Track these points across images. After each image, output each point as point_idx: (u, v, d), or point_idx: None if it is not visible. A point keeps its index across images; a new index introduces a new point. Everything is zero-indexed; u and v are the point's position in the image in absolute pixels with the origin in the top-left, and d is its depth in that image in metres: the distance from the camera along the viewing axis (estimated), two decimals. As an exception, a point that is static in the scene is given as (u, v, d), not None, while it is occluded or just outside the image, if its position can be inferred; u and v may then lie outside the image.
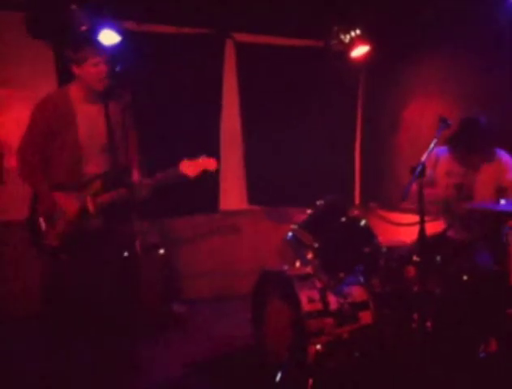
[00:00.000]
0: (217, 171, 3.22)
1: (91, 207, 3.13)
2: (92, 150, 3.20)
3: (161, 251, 4.44)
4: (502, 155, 3.48)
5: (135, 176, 3.32)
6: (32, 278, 4.28)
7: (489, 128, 3.40)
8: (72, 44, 3.13)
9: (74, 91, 3.18)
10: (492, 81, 4.04)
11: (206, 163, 3.11)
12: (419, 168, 2.87)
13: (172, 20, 4.64)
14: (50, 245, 3.16)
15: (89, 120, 3.18)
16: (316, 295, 3.13)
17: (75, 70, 3.11)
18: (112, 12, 4.17)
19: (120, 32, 4.15)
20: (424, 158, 2.95)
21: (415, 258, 3.08)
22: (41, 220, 3.17)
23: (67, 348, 3.34)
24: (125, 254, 3.32)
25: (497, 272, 3.21)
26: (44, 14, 4.09)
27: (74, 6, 4.00)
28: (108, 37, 4.06)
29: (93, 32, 3.98)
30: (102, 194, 3.15)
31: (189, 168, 3.09)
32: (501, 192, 3.36)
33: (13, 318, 4.23)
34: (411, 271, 3.14)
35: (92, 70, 3.07)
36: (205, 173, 3.12)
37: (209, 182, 4.91)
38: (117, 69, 3.17)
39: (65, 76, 3.98)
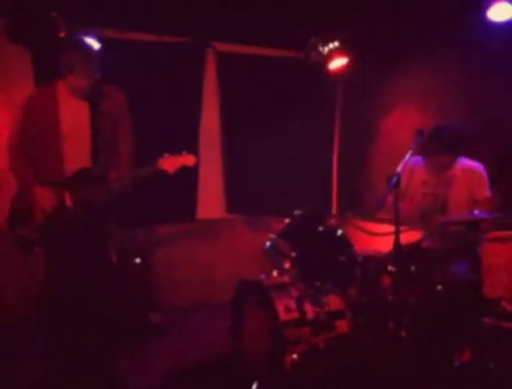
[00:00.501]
0: (195, 167, 3.28)
1: (69, 203, 3.14)
2: (75, 145, 3.18)
3: (137, 260, 4.42)
4: (476, 166, 3.51)
5: (118, 171, 3.28)
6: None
7: (462, 129, 3.43)
8: (58, 51, 3.14)
9: (62, 86, 3.21)
10: (471, 93, 4.09)
11: (184, 159, 3.18)
12: (394, 179, 2.91)
13: (154, 29, 4.66)
14: (27, 237, 3.16)
15: (72, 113, 3.19)
16: (293, 304, 3.14)
17: (63, 72, 3.12)
18: (94, 20, 4.17)
19: (99, 39, 4.14)
20: (399, 169, 2.99)
21: (390, 267, 3.12)
22: (22, 212, 3.17)
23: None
24: (102, 255, 3.29)
25: (471, 282, 3.26)
26: (24, 21, 4.07)
27: (54, 13, 3.99)
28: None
29: (77, 39, 3.97)
30: (80, 191, 3.15)
31: (168, 163, 3.16)
32: (475, 206, 3.40)
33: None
34: (386, 280, 3.17)
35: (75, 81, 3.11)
36: (183, 168, 3.17)
37: (187, 189, 4.93)
38: (98, 76, 3.18)
39: (42, 81, 3.98)
